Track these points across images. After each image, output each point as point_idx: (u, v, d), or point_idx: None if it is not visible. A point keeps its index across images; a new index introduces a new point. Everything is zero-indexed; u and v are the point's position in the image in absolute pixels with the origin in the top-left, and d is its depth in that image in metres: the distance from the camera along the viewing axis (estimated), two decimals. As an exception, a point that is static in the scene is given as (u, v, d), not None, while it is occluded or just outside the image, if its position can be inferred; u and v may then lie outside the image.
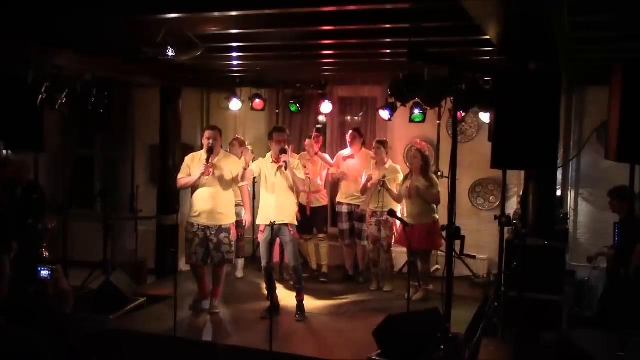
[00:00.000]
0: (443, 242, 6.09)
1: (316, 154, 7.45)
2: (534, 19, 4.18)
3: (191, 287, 6.53)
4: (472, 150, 7.67)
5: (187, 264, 6.31)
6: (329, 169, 7.56)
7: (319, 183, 7.43)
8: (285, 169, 5.79)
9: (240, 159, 6.61)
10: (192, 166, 6.03)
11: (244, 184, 6.67)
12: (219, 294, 6.31)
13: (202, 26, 5.19)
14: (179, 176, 6.13)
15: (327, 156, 7.67)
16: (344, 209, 7.40)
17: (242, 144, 7.44)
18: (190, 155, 6.19)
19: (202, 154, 6.01)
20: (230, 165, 6.08)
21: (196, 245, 6.02)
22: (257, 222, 6.08)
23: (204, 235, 6.01)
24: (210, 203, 5.97)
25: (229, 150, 7.54)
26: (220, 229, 6.01)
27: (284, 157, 5.78)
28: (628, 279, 4.85)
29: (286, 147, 5.88)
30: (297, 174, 5.86)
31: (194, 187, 6.08)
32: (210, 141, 5.95)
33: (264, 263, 5.99)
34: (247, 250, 7.78)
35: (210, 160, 5.91)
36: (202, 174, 5.88)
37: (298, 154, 7.62)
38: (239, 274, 7.67)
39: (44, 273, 5.70)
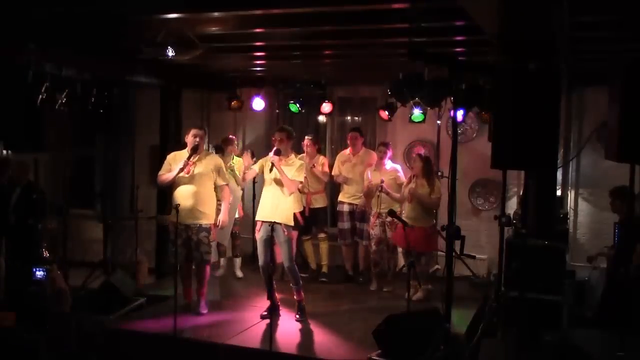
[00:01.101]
0: (441, 242, 6.07)
1: (313, 166, 7.33)
2: (533, 18, 4.18)
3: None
4: (472, 150, 7.67)
5: (171, 263, 6.25)
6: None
7: (318, 186, 7.40)
8: (270, 170, 5.75)
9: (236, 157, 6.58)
10: (174, 164, 5.97)
11: (243, 184, 6.67)
12: (204, 295, 6.21)
13: (202, 26, 5.19)
14: (160, 173, 6.06)
15: (327, 168, 7.57)
16: (345, 208, 7.37)
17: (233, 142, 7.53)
18: (173, 153, 6.13)
19: (184, 153, 5.96)
20: (210, 164, 6.03)
21: (179, 246, 5.96)
22: (256, 218, 6.04)
23: (186, 236, 5.98)
24: (190, 201, 5.89)
25: (226, 149, 7.53)
26: (200, 228, 5.97)
27: (272, 158, 5.73)
28: (628, 279, 4.85)
29: (280, 148, 5.78)
30: (287, 172, 5.71)
31: (175, 186, 5.99)
32: (197, 139, 5.92)
33: (261, 262, 5.96)
34: (246, 249, 7.75)
35: (192, 159, 5.90)
36: (181, 169, 5.84)
37: (298, 154, 7.60)
38: (239, 273, 7.64)
39: (39, 274, 5.70)
